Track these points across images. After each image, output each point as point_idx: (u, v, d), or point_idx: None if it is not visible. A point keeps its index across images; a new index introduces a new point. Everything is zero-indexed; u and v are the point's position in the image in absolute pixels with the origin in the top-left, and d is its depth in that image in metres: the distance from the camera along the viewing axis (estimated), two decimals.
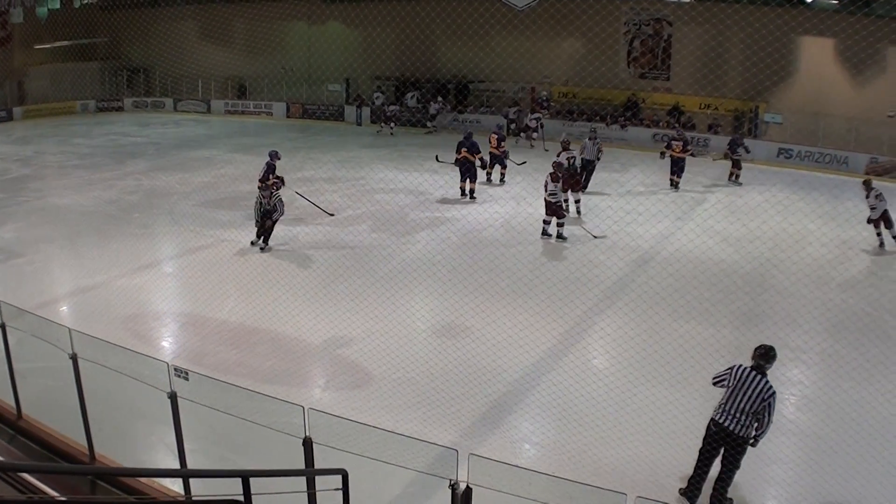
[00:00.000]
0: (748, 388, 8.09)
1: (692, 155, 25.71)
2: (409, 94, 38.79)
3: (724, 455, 8.26)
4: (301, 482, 6.86)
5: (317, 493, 6.88)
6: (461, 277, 15.35)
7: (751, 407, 8.04)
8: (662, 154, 25.46)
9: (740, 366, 8.34)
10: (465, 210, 21.65)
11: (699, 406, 10.38)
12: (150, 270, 16.51)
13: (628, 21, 35.84)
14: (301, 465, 6.99)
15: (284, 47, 40.19)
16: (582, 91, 36.40)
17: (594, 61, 33.95)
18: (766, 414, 8.03)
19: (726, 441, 8.19)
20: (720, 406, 8.31)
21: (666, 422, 10.18)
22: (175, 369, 7.60)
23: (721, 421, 8.21)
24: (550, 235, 18.48)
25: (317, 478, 6.89)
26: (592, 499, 5.92)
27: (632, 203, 22.47)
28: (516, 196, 22.74)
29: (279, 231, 18.17)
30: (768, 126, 33.01)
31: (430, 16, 30.78)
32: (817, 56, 32.07)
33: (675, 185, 25.24)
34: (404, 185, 23.78)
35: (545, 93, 36.85)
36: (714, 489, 8.33)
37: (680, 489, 8.68)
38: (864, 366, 11.73)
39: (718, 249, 18.42)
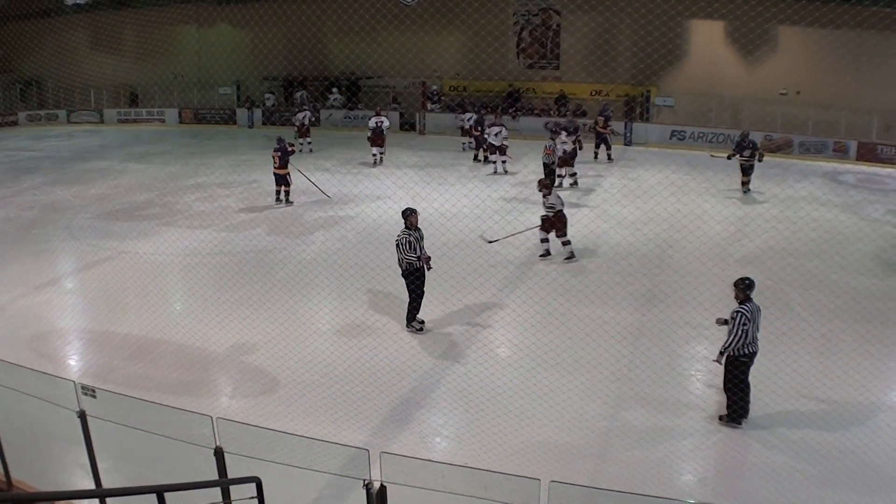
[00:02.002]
0: (757, 314, 10.82)
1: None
2: (298, 94, 40.33)
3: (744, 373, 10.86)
4: (216, 493, 7.21)
5: (232, 503, 7.24)
6: (360, 275, 16.33)
7: (757, 326, 10.82)
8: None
9: (743, 308, 10.70)
10: (360, 208, 22.75)
11: (605, 388, 11.88)
12: (51, 288, 17.00)
13: (516, 12, 38.02)
14: (215, 476, 7.37)
15: (175, 52, 41.28)
16: (472, 83, 38.05)
17: (481, 53, 35.55)
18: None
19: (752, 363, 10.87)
20: (745, 343, 10.68)
21: (574, 405, 11.28)
22: (82, 387, 7.93)
23: (752, 351, 10.80)
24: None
25: (231, 487, 7.25)
26: (507, 486, 6.49)
27: (525, 192, 23.64)
28: (412, 192, 23.49)
29: (178, 240, 19.10)
30: (660, 109, 35.65)
31: (318, 13, 31.90)
32: (707, 38, 34.99)
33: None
34: (299, 186, 24.63)
35: (435, 87, 38.38)
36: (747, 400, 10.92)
37: (722, 416, 11.08)
38: (769, 338, 12.80)
39: (614, 233, 19.87)
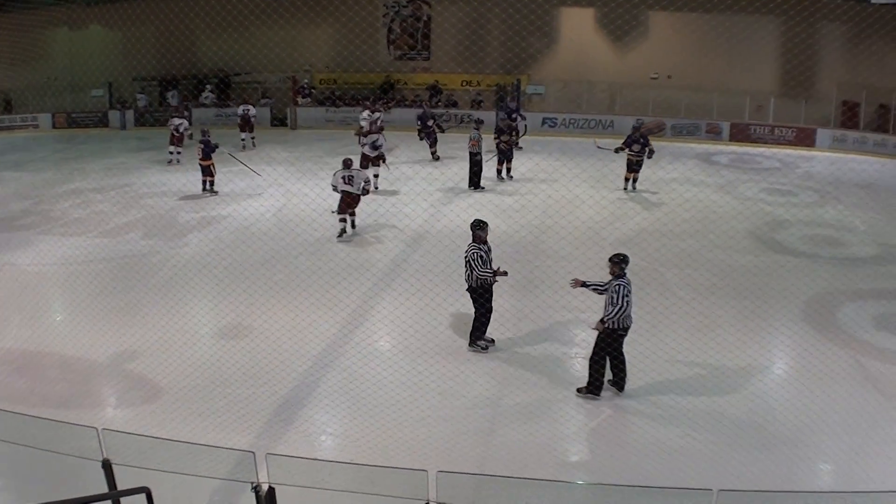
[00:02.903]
0: (631, 291, 11.47)
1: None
2: (170, 93, 40.24)
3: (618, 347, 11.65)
4: None
5: None
6: (237, 275, 16.48)
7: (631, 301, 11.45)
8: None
9: (622, 284, 11.41)
10: (233, 206, 22.71)
11: (487, 376, 12.35)
12: None
13: (386, 3, 38.62)
14: (105, 489, 7.35)
15: (48, 56, 39.82)
16: (343, 76, 38.33)
17: (349, 45, 35.81)
18: None
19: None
20: (624, 316, 11.43)
21: (457, 394, 11.73)
22: None
23: (629, 325, 11.55)
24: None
25: (122, 499, 7.27)
26: (395, 480, 6.71)
27: (396, 184, 24.14)
28: (283, 188, 23.79)
29: (55, 249, 18.58)
30: (531, 98, 36.55)
31: (187, 11, 31.60)
32: (577, 25, 36.20)
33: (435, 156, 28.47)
34: (172, 187, 24.82)
35: (306, 80, 38.45)
36: (625, 373, 11.90)
37: (578, 389, 11.84)
38: (646, 318, 13.68)
39: (488, 221, 19.90)
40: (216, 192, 24.41)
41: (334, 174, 19.58)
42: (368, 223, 19.00)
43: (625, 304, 11.35)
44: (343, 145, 29.60)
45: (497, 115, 34.14)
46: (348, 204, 19.32)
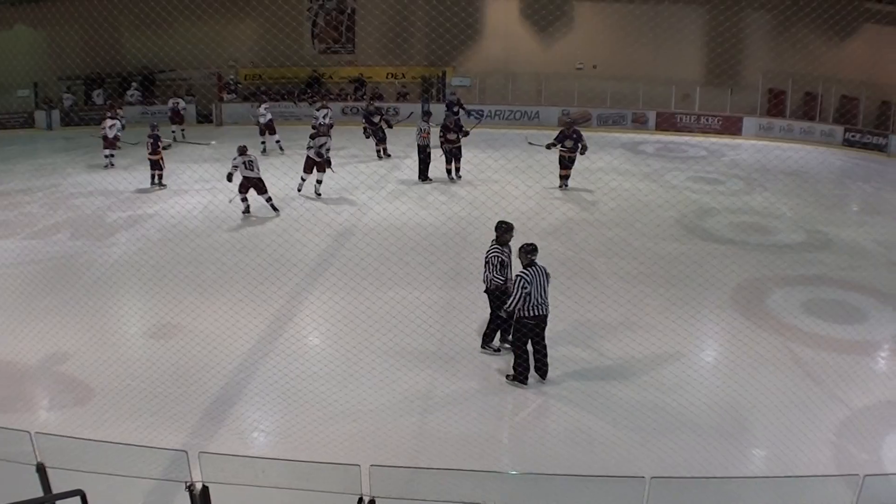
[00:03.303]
0: (540, 279, 11.70)
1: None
2: (96, 92, 39.46)
3: (537, 336, 11.92)
4: None
5: None
6: (165, 274, 16.36)
7: (545, 289, 11.76)
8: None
9: (525, 272, 11.67)
10: (160, 205, 22.40)
11: (418, 368, 12.41)
12: None
13: None
14: (39, 493, 7.22)
15: None
16: (269, 71, 38.08)
17: (273, 40, 35.58)
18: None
19: (543, 324, 11.85)
20: (529, 306, 11.64)
21: (389, 388, 11.77)
22: None
23: (538, 314, 11.74)
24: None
25: (57, 502, 7.13)
26: (328, 475, 6.71)
27: (327, 180, 23.70)
28: (209, 184, 23.51)
29: None
30: (456, 89, 36.27)
31: (111, 8, 31.85)
32: (502, 17, 36.44)
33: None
34: (99, 186, 24.44)
35: (232, 76, 38.05)
36: (545, 360, 12.13)
37: (507, 375, 12.16)
38: (574, 307, 13.76)
39: (412, 214, 20.34)
40: (165, 186, 24.52)
41: (233, 160, 20.29)
42: (295, 217, 18.85)
43: (521, 294, 11.60)
44: (269, 141, 29.53)
45: (422, 107, 34.21)
46: (255, 186, 20.54)
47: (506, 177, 22.40)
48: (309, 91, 37.46)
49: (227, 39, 36.65)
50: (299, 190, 22.65)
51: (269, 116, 30.10)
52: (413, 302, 14.26)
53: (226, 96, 37.92)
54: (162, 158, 24.54)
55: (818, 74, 32.31)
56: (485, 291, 13.07)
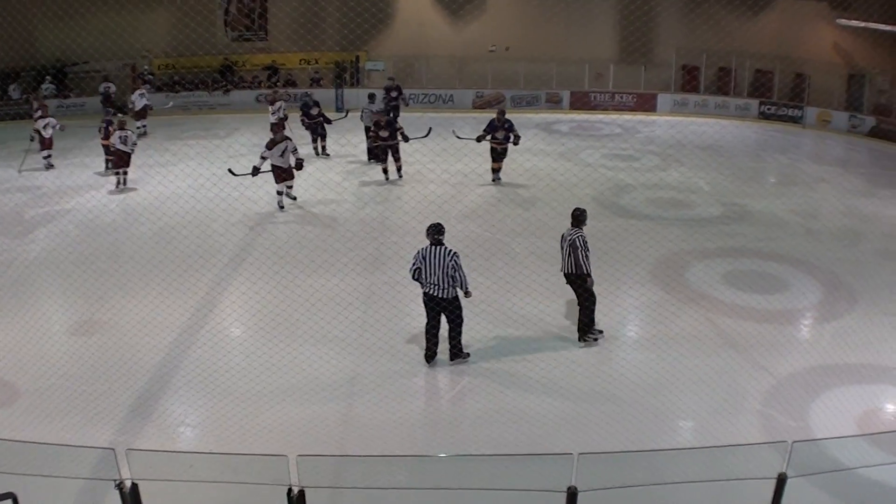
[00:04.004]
0: (436, 260, 11.81)
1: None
2: (12, 86, 37.92)
3: (446, 317, 12.02)
4: None
5: None
6: (86, 270, 15.81)
7: (444, 273, 11.77)
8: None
9: (422, 248, 11.94)
10: (77, 199, 21.62)
11: (341, 355, 12.41)
12: None
13: None
14: None
15: None
16: (182, 60, 37.48)
17: (185, 29, 34.94)
18: (459, 271, 11.88)
19: (440, 306, 11.92)
20: (423, 284, 11.93)
21: (313, 376, 11.69)
22: None
23: (429, 292, 11.93)
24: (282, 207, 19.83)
25: None
26: (256, 467, 6.78)
27: (237, 167, 23.15)
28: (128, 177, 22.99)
29: None
30: (370, 74, 36.68)
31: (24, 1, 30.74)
32: (415, 1, 36.24)
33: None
34: (16, 183, 23.62)
35: (146, 66, 37.36)
36: (451, 345, 12.18)
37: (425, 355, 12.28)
38: (494, 288, 13.86)
39: (328, 200, 20.34)
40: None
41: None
42: (211, 208, 18.45)
43: (411, 270, 12.13)
44: (183, 130, 29.40)
45: (337, 93, 34.02)
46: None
47: (421, 160, 22.29)
48: (222, 80, 36.97)
49: (139, 30, 36.03)
50: (281, 207, 20.23)
51: (144, 102, 29.94)
52: (333, 289, 14.37)
53: (140, 87, 37.24)
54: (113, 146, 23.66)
55: (732, 49, 32.88)
56: (571, 280, 12.98)
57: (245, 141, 27.67)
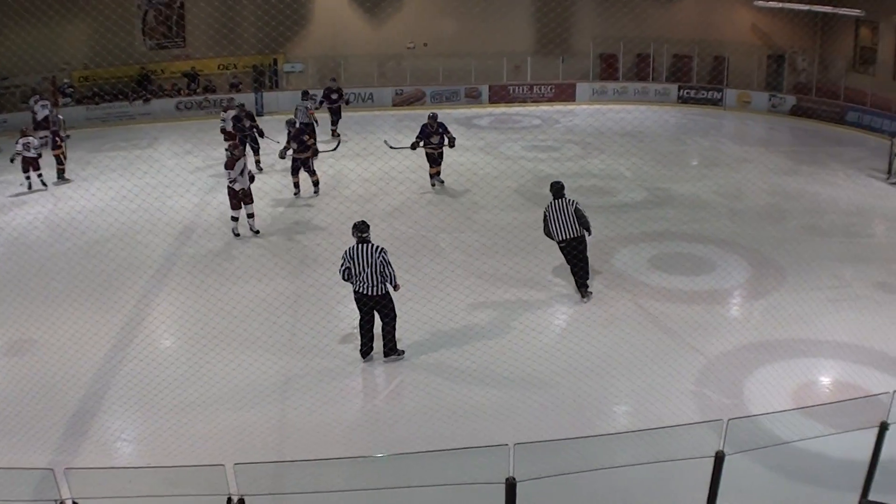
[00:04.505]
0: (365, 258, 11.81)
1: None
2: None
3: (379, 314, 12.07)
4: None
5: None
6: (14, 288, 15.58)
7: (373, 270, 11.81)
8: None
9: (349, 248, 11.91)
10: (3, 217, 20.96)
11: (273, 361, 12.33)
12: None
13: None
14: None
15: None
16: (99, 72, 36.88)
17: (101, 40, 34.49)
18: (388, 266, 11.91)
19: (372, 303, 11.96)
20: (354, 283, 11.94)
21: (246, 384, 11.66)
22: None
23: (361, 291, 11.94)
24: (239, 235, 18.14)
25: None
26: (194, 477, 6.67)
27: (158, 177, 22.70)
28: (48, 191, 22.65)
29: None
30: (288, 76, 36.61)
31: None
32: (331, 1, 36.11)
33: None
34: None
35: (66, 80, 36.67)
36: (385, 342, 12.21)
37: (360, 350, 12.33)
38: (421, 284, 13.81)
39: (255, 203, 19.55)
40: (69, 181, 23.88)
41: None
42: (135, 220, 18.15)
43: (340, 269, 12.06)
44: (104, 143, 28.78)
45: (256, 97, 33.75)
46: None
47: (341, 160, 22.17)
48: (141, 89, 36.45)
49: (57, 43, 35.43)
50: (236, 234, 18.19)
51: (45, 112, 29.76)
52: (259, 295, 14.37)
53: (61, 100, 36.55)
54: (63, 153, 24.11)
55: (649, 36, 33.32)
56: (573, 239, 14.01)
57: (171, 149, 27.31)
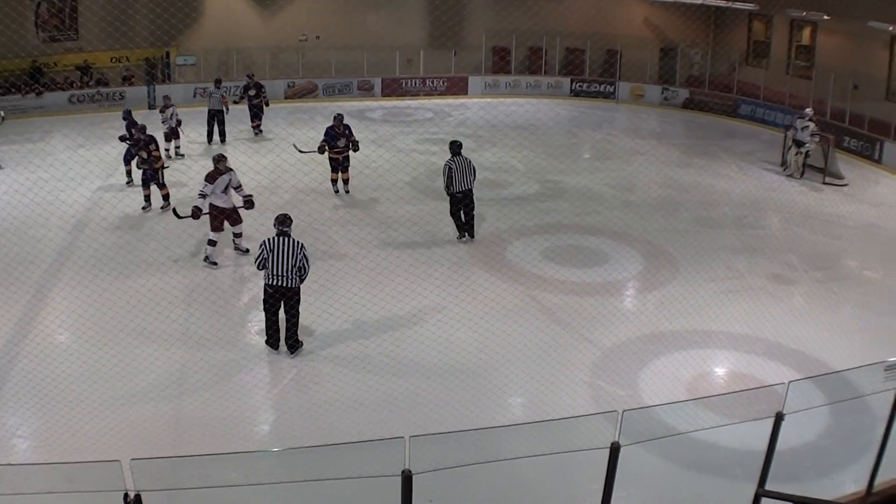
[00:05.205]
0: (284, 251, 11.91)
1: None
2: None
3: (285, 307, 12.09)
4: None
5: None
6: None
7: (293, 263, 11.94)
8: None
9: (267, 239, 12.02)
10: None
11: (167, 354, 12.23)
12: None
13: None
14: None
15: None
16: None
17: None
18: (305, 261, 12.06)
19: (285, 296, 12.03)
20: (269, 275, 11.95)
21: (140, 379, 11.61)
22: None
23: (276, 283, 11.97)
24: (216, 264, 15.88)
25: None
26: (90, 473, 6.34)
27: (51, 171, 21.94)
28: None
29: None
30: (181, 69, 36.10)
31: None
32: None
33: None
34: None
35: None
36: (288, 334, 12.24)
37: (266, 341, 12.39)
38: (316, 276, 13.24)
39: (130, 200, 19.47)
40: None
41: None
42: (27, 214, 17.58)
43: (258, 260, 12.13)
44: None
45: (149, 90, 33.13)
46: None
47: (233, 153, 21.82)
48: (32, 82, 35.58)
49: None
50: (212, 263, 15.98)
51: None
52: (152, 289, 14.12)
53: None
54: None
55: (542, 29, 33.45)
56: (469, 191, 16.49)
57: (57, 143, 26.51)
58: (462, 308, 13.82)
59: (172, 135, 23.27)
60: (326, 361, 12.04)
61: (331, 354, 12.22)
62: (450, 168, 16.37)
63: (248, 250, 16.00)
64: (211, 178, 15.72)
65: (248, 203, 15.99)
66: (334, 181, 20.60)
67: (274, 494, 7.55)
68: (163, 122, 24.14)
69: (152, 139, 19.19)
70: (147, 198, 19.29)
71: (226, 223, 15.93)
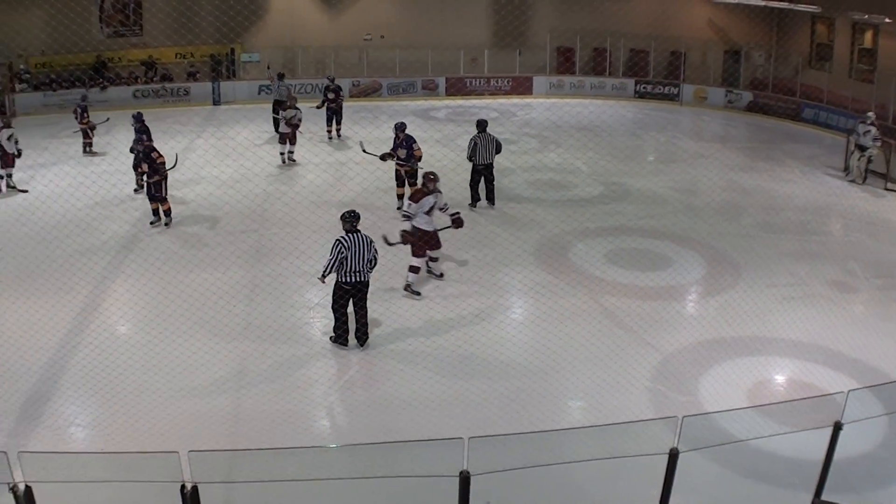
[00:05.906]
0: (360, 247, 11.96)
1: None
2: None
3: (356, 301, 12.22)
4: None
5: None
6: None
7: (368, 258, 12.08)
8: None
9: (342, 237, 11.92)
10: None
11: (229, 349, 12.34)
12: None
13: None
14: None
15: None
16: (58, 59, 36.56)
17: (58, 26, 34.06)
18: (376, 253, 12.26)
19: (361, 291, 12.18)
20: (346, 273, 11.95)
21: (201, 372, 11.70)
22: None
23: (353, 280, 12.02)
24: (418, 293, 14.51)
25: None
26: (148, 464, 6.57)
27: (115, 164, 22.33)
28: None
29: None
30: (246, 66, 36.59)
31: None
32: None
33: None
34: None
35: (22, 66, 36.25)
36: (359, 325, 12.34)
37: (330, 337, 12.46)
38: (389, 274, 13.57)
39: (208, 194, 19.90)
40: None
41: None
42: (91, 206, 18.16)
43: (335, 258, 11.91)
44: (61, 129, 28.17)
45: (213, 86, 33.61)
46: None
47: (298, 150, 22.12)
48: (98, 76, 36.25)
49: (14, 29, 35.12)
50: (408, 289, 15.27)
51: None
52: (215, 283, 14.15)
53: (17, 86, 36.23)
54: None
55: (606, 30, 33.42)
56: (490, 165, 19.22)
57: (121, 137, 25.94)
58: (525, 309, 14.06)
59: (290, 138, 22.93)
60: (388, 358, 12.13)
61: (394, 353, 12.27)
62: (475, 143, 18.94)
63: (442, 275, 15.05)
64: (415, 197, 14.72)
65: (457, 222, 14.80)
66: (399, 196, 18.98)
67: (331, 490, 7.60)
68: (284, 122, 23.44)
69: (153, 148, 18.53)
70: (155, 212, 18.44)
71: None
